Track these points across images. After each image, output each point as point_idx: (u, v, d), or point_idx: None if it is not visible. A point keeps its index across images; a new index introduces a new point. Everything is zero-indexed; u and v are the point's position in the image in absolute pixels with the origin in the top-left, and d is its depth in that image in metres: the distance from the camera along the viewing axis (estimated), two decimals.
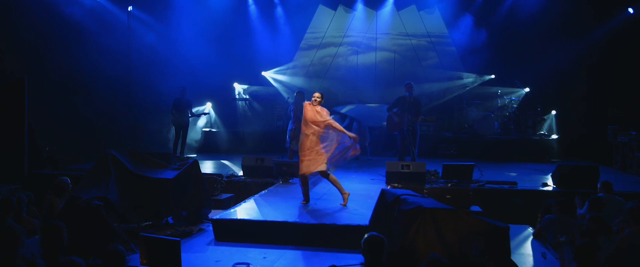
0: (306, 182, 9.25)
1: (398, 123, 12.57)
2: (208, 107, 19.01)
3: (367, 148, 15.94)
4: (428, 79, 18.53)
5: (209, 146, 18.04)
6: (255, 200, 9.47)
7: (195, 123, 18.25)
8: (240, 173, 12.28)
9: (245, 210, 8.61)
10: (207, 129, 18.58)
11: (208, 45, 17.91)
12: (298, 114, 12.85)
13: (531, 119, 16.98)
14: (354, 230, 7.53)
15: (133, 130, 16.48)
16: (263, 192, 10.42)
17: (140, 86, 16.47)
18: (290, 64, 19.82)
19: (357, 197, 9.80)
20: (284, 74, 19.78)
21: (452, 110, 18.10)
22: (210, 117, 19.04)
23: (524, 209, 10.45)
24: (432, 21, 19.07)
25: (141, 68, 16.52)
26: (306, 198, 9.30)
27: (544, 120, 17.21)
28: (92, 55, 14.80)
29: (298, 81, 19.50)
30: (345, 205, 9.11)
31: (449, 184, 11.13)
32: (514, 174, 13.39)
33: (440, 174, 11.71)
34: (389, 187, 11.06)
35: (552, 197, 10.44)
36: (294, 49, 19.85)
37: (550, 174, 11.82)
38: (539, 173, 13.45)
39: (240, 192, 11.42)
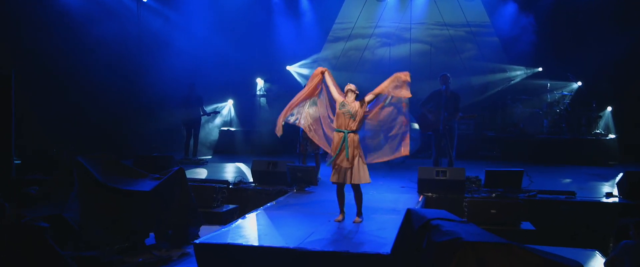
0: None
1: (433, 122, 10.79)
2: (229, 104, 17.72)
3: None
4: (468, 72, 17.02)
5: (226, 147, 16.72)
6: (257, 215, 7.83)
7: (211, 121, 16.89)
8: (252, 179, 10.72)
9: (241, 230, 6.95)
10: (225, 128, 17.14)
11: (228, 37, 16.83)
12: None
13: (585, 117, 15.34)
14: (373, 260, 5.87)
15: (140, 130, 14.97)
16: (270, 204, 8.78)
17: (149, 81, 14.94)
18: (317, 57, 18.54)
19: (382, 211, 8.15)
20: (310, 67, 18.46)
21: (495, 106, 16.56)
22: (229, 115, 17.70)
23: (586, 226, 8.67)
24: (472, 9, 17.65)
25: (151, 62, 15.05)
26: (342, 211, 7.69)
27: (600, 117, 15.52)
28: (93, 47, 13.41)
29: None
30: (359, 221, 7.45)
31: (494, 195, 9.34)
32: (569, 180, 11.75)
33: (482, 182, 9.94)
34: (420, 197, 9.36)
35: (619, 210, 8.81)
36: (321, 41, 18.65)
37: (614, 181, 10.14)
38: (598, 179, 11.79)
39: (248, 202, 9.84)
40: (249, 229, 7.05)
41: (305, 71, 18.32)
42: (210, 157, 15.56)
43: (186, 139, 14.52)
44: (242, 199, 9.93)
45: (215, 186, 9.05)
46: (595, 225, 8.54)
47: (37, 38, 12.55)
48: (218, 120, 17.43)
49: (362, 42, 18.35)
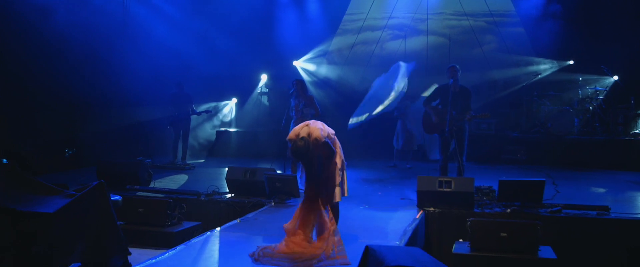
0: None
1: (437, 122, 9.18)
2: (232, 103, 16.68)
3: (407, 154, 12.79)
4: (490, 65, 15.91)
5: (222, 149, 15.57)
6: (207, 239, 6.32)
7: (208, 121, 15.68)
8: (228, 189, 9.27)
9: (170, 263, 5.46)
10: (222, 129, 15.84)
11: (226, 30, 15.83)
12: (300, 108, 10.10)
13: (622, 115, 14.08)
14: None
15: (117, 131, 13.66)
16: (234, 221, 7.30)
17: (130, 77, 13.57)
18: (326, 52, 17.45)
19: (364, 234, 6.61)
20: (317, 63, 17.41)
21: (520, 104, 15.33)
22: (230, 114, 16.54)
23: (624, 254, 7.02)
24: None
25: (133, 55, 13.71)
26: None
27: (639, 115, 14.12)
28: (62, 38, 11.99)
29: (334, 71, 17.23)
30: None
31: (508, 210, 7.74)
32: (603, 190, 10.21)
33: (496, 193, 8.33)
34: (419, 212, 7.78)
35: None
36: (330, 34, 17.44)
37: None
38: (637, 188, 10.42)
39: (220, 217, 8.39)
40: (184, 261, 5.55)
41: (313, 67, 17.12)
42: (202, 161, 14.30)
43: (174, 141, 13.23)
44: (211, 214, 8.50)
45: (168, 199, 7.56)
46: (635, 251, 6.90)
47: None
48: (216, 120, 16.20)
49: (374, 34, 17.26)
